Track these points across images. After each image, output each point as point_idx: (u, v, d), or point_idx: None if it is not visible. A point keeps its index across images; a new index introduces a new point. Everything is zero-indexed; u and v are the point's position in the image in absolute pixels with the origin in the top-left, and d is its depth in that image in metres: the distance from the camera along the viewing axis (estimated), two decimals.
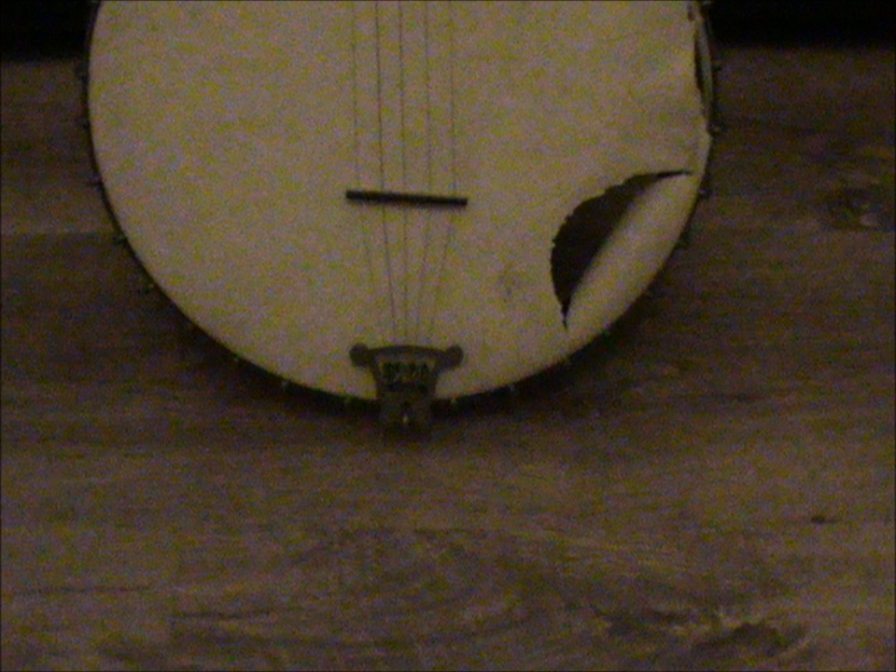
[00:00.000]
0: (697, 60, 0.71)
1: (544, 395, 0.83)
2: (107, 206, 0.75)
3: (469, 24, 0.69)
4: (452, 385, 0.78)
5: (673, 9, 0.69)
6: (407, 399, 0.78)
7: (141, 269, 0.77)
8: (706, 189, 0.76)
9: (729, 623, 0.71)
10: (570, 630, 0.71)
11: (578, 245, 0.77)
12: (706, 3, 0.71)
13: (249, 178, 0.73)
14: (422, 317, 0.76)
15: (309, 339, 0.77)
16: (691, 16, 0.70)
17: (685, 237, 0.77)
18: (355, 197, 0.73)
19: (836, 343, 0.88)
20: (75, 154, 0.98)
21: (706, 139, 0.74)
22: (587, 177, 0.73)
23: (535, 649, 0.70)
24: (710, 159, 0.75)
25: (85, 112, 0.73)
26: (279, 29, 0.69)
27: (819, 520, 0.76)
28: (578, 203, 0.73)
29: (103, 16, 0.70)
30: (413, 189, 0.73)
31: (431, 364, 0.77)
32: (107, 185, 0.75)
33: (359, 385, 0.78)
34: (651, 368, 0.86)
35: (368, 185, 0.73)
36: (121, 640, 0.70)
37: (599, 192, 0.73)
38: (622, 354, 0.86)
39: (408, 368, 0.77)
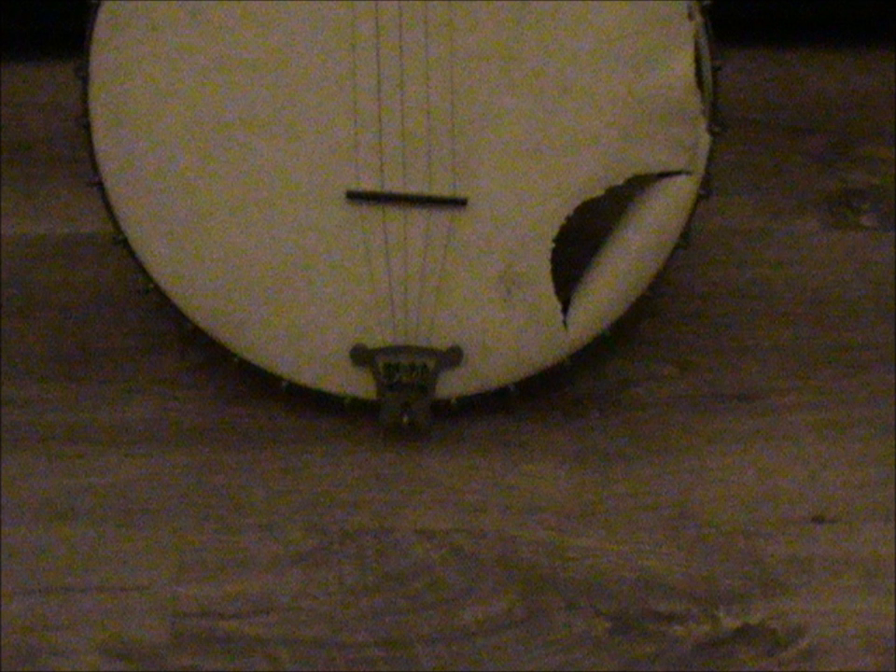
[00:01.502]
0: (697, 60, 0.71)
1: (544, 395, 0.83)
2: (107, 206, 0.75)
3: (469, 24, 0.69)
4: (452, 385, 0.78)
5: (673, 9, 0.69)
6: (407, 399, 0.78)
7: (141, 269, 0.77)
8: (706, 189, 0.76)
9: (729, 623, 0.71)
10: (570, 630, 0.71)
11: (578, 244, 0.77)
12: (706, 3, 0.71)
13: (249, 178, 0.73)
14: (422, 317, 0.76)
15: (309, 339, 0.77)
16: (691, 16, 0.70)
17: (685, 237, 0.77)
18: (355, 197, 0.73)
19: (836, 343, 0.88)
20: (75, 154, 0.98)
21: (706, 139, 0.74)
22: (587, 177, 0.73)
23: (535, 649, 0.70)
24: (710, 159, 0.75)
25: (85, 112, 0.73)
26: (279, 29, 0.69)
27: (819, 520, 0.76)
28: (578, 203, 0.73)
29: (103, 16, 0.70)
30: (413, 188, 0.73)
31: (431, 364, 0.77)
32: (107, 185, 0.75)
33: (359, 384, 0.78)
34: (651, 368, 0.86)
35: (368, 185, 0.73)
36: (121, 640, 0.70)
37: (599, 192, 0.73)
38: (622, 354, 0.86)
39: (408, 368, 0.77)
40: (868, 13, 1.10)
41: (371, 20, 0.69)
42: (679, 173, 0.74)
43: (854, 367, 0.86)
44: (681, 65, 0.70)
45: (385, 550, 0.75)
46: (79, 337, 0.87)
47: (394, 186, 0.73)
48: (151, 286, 0.77)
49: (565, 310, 0.77)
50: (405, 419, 0.78)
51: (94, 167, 0.74)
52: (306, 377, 0.78)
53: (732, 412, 0.83)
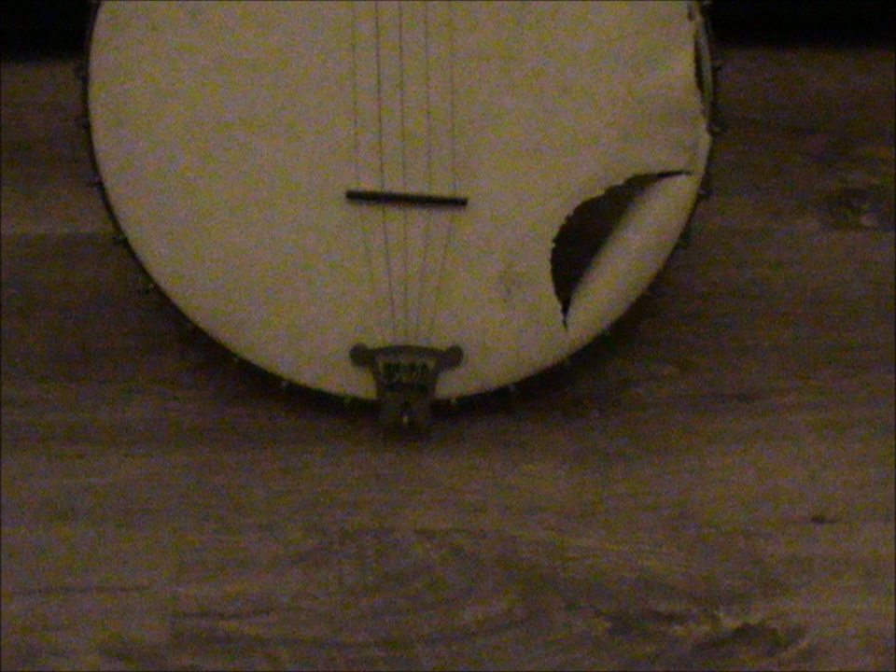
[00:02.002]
0: (697, 60, 0.71)
1: (544, 395, 0.83)
2: (107, 206, 0.75)
3: (469, 24, 0.69)
4: (452, 385, 0.78)
5: (673, 9, 0.69)
6: (407, 399, 0.78)
7: (141, 269, 0.77)
8: (706, 189, 0.76)
9: (729, 623, 0.71)
10: (570, 630, 0.71)
11: (578, 244, 0.77)
12: (706, 3, 0.71)
13: (249, 178, 0.73)
14: (422, 317, 0.76)
15: (309, 339, 0.77)
16: (691, 16, 0.70)
17: (685, 237, 0.77)
18: (355, 197, 0.73)
19: (836, 343, 0.88)
20: (75, 154, 0.98)
21: (706, 139, 0.74)
22: (587, 177, 0.73)
23: (535, 649, 0.70)
24: (710, 159, 0.75)
25: (85, 112, 0.73)
26: (279, 29, 0.69)
27: (819, 520, 0.76)
28: (578, 203, 0.73)
29: (103, 16, 0.70)
30: (413, 189, 0.73)
31: (431, 364, 0.77)
32: (107, 185, 0.75)
33: (359, 385, 0.78)
34: (651, 368, 0.86)
35: (368, 185, 0.73)
36: (121, 640, 0.70)
37: (599, 192, 0.73)
38: (622, 354, 0.86)
39: (408, 368, 0.77)
40: (868, 13, 1.10)
41: (371, 20, 0.69)
42: (679, 173, 0.74)
43: (854, 367, 0.86)
44: (681, 65, 0.70)
45: (385, 550, 0.75)
46: (79, 337, 0.87)
47: (394, 186, 0.73)
48: (151, 286, 0.77)
49: (565, 310, 0.77)
50: (405, 419, 0.78)
51: (94, 167, 0.74)
52: (306, 377, 0.78)
53: (732, 412, 0.83)
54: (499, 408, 0.81)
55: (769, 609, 0.72)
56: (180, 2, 0.69)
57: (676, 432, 0.82)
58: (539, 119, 0.71)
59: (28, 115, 1.05)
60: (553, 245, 0.75)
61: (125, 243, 0.76)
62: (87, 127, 0.73)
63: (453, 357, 0.77)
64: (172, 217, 0.74)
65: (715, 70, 0.73)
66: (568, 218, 0.74)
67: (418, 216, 0.73)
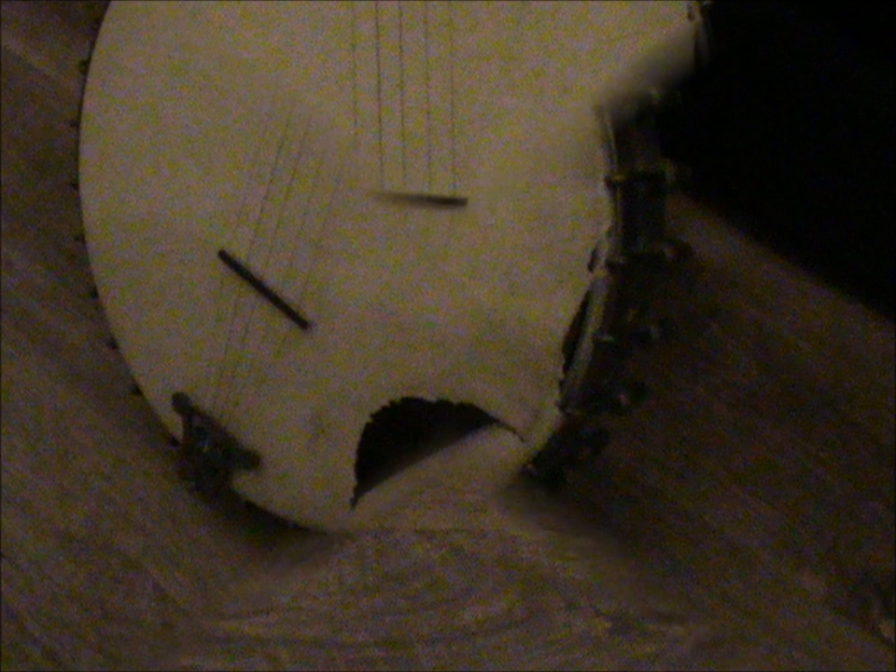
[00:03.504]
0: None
1: None
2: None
3: (469, 24, 0.69)
4: (246, 485, 0.76)
5: (673, 9, 0.69)
6: (199, 469, 0.76)
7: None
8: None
9: None
10: (570, 630, 0.71)
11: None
12: (706, 3, 0.71)
13: None
14: (238, 405, 0.74)
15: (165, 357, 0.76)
16: (691, 16, 0.70)
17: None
18: (225, 259, 0.71)
19: None
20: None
21: (552, 414, 0.68)
22: (423, 373, 0.69)
23: (535, 649, 0.70)
24: (555, 437, 0.68)
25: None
26: (279, 29, 0.69)
27: None
28: (405, 395, 0.70)
29: (107, 14, 0.70)
30: (413, 188, 0.73)
31: (229, 454, 0.75)
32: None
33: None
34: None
35: (367, 185, 0.73)
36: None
37: (427, 396, 0.70)
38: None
39: (212, 443, 0.75)
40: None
41: (371, 20, 0.69)
42: (512, 430, 0.70)
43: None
44: (561, 313, 0.65)
45: (385, 550, 0.75)
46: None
47: (394, 186, 0.72)
48: None
49: (363, 486, 0.74)
50: (192, 484, 0.77)
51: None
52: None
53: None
54: None
55: None
56: (180, 2, 0.69)
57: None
58: (539, 118, 0.71)
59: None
60: (371, 420, 0.71)
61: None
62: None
63: (249, 460, 0.75)
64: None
65: (597, 345, 0.65)
66: (392, 402, 0.71)
67: (268, 309, 0.70)
